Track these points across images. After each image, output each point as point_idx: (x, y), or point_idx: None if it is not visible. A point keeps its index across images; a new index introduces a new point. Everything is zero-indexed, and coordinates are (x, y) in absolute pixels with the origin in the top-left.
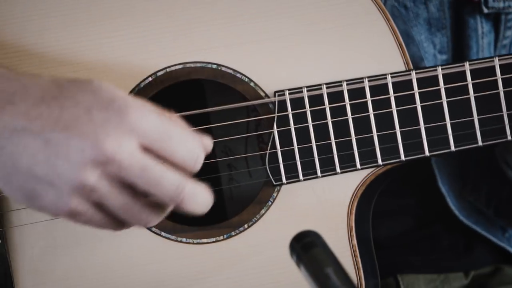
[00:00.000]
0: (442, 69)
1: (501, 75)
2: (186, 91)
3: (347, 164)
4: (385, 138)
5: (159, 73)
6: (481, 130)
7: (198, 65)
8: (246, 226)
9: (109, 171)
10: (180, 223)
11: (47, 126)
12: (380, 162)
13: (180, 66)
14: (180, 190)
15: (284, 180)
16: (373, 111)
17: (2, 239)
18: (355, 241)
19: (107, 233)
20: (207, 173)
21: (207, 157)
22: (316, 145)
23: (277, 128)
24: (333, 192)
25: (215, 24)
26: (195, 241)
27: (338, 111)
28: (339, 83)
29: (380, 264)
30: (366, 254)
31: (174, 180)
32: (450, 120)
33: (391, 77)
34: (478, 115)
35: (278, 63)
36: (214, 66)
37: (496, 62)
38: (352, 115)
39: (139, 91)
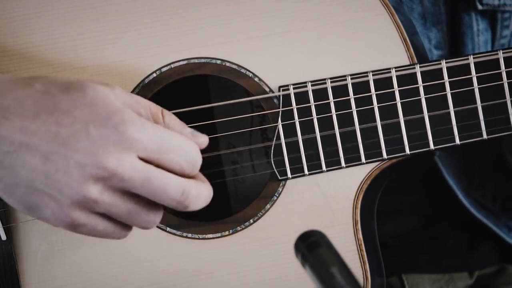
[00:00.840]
0: (446, 62)
1: (506, 68)
2: (190, 87)
3: (352, 158)
4: (389, 131)
5: (164, 69)
6: (485, 122)
7: (203, 60)
8: (251, 221)
9: (111, 184)
10: (185, 219)
11: (45, 142)
12: (385, 155)
13: (185, 62)
14: (186, 195)
15: (289, 175)
16: (378, 104)
17: (8, 236)
18: (360, 235)
19: None
20: (212, 169)
21: (213, 153)
22: (321, 139)
23: (282, 122)
24: (338, 186)
25: (219, 20)
26: (200, 236)
27: (343, 105)
28: (343, 78)
29: (384, 263)
30: (371, 250)
31: (179, 186)
32: (455, 113)
33: (396, 71)
34: (482, 108)
35: (283, 58)
36: (219, 62)
37: (501, 55)
38: (356, 109)
39: (144, 86)
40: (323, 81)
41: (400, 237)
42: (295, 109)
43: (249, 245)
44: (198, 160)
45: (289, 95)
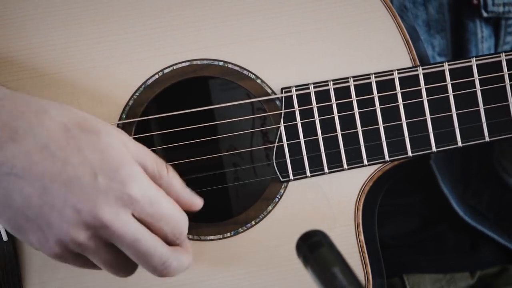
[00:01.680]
0: (448, 64)
1: (508, 70)
2: (193, 88)
3: (354, 160)
4: (392, 134)
5: (166, 70)
6: (487, 124)
7: (205, 62)
8: (253, 222)
9: (100, 234)
10: None
11: (47, 176)
12: (387, 158)
13: (187, 63)
14: (166, 266)
15: (291, 177)
16: (380, 106)
17: (10, 237)
18: (362, 237)
19: None
20: (214, 170)
21: (215, 155)
22: (322, 141)
23: (284, 124)
24: (340, 188)
25: (222, 21)
26: (201, 238)
27: (345, 107)
28: (346, 80)
29: (386, 264)
30: (372, 251)
31: (162, 256)
32: (457, 115)
33: (398, 73)
34: (484, 110)
35: (285, 60)
36: (221, 63)
37: (503, 58)
38: (358, 111)
39: (146, 88)
40: (325, 83)
41: (401, 238)
42: (297, 111)
43: (250, 247)
44: (183, 234)
45: (291, 97)
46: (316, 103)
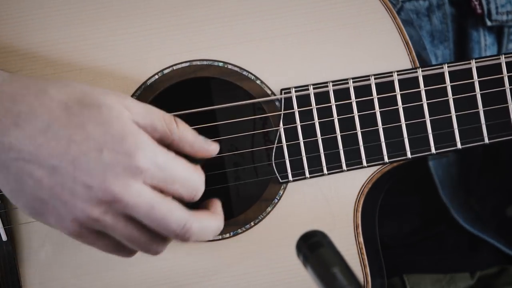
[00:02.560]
0: (448, 66)
1: (508, 72)
2: (192, 89)
3: (353, 161)
4: (391, 135)
5: (166, 71)
6: (487, 126)
7: (205, 63)
8: (252, 223)
9: (115, 208)
10: None
11: (54, 156)
12: (386, 159)
13: (187, 64)
14: (187, 228)
15: (290, 178)
16: (379, 108)
17: (9, 237)
18: (361, 239)
19: None
20: (213, 171)
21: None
22: (322, 142)
23: (283, 125)
24: (340, 189)
25: (221, 22)
26: None
27: (344, 109)
28: (345, 81)
29: (386, 264)
30: (372, 252)
31: (181, 219)
32: (456, 117)
33: (397, 74)
34: (484, 112)
35: (285, 61)
36: (221, 64)
37: (503, 60)
38: (358, 112)
39: (146, 88)
40: (325, 84)
41: (401, 238)
42: (297, 112)
43: (249, 248)
44: (200, 188)
45: (291, 98)
46: (316, 105)
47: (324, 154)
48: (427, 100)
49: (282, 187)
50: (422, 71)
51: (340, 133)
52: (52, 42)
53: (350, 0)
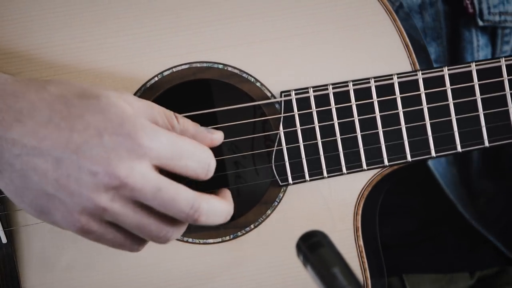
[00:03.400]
0: (448, 69)
1: (508, 75)
2: (192, 91)
3: (353, 165)
4: (391, 138)
5: (166, 73)
6: (487, 129)
7: (205, 65)
8: (252, 226)
9: (122, 194)
10: None
11: (57, 147)
12: (386, 162)
13: (187, 66)
14: (196, 208)
15: (290, 181)
16: (379, 111)
17: (9, 239)
18: (361, 242)
19: None
20: (213, 173)
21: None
22: (322, 145)
23: (283, 128)
24: (340, 192)
25: (221, 24)
26: (201, 241)
27: (344, 112)
28: (345, 84)
29: (386, 264)
30: (373, 254)
31: (188, 199)
32: (456, 120)
33: (398, 77)
34: (484, 116)
35: (285, 63)
36: (221, 66)
37: (503, 63)
38: (358, 115)
39: (145, 90)
40: (324, 86)
41: (401, 238)
42: (297, 115)
43: (249, 251)
44: (211, 162)
45: (290, 100)
46: (316, 107)
47: (324, 157)
48: (427, 103)
49: (282, 190)
50: (422, 74)
51: (340, 136)
52: (52, 44)
53: (351, 2)
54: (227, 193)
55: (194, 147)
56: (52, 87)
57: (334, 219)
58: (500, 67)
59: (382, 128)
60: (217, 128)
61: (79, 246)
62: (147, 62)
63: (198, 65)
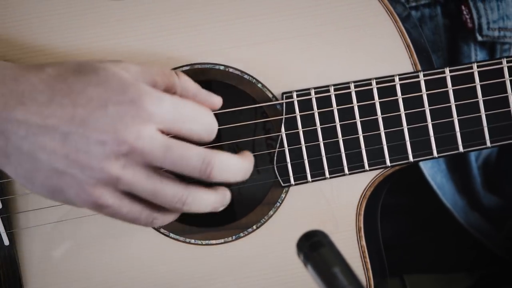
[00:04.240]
0: (450, 70)
1: (510, 76)
2: None
3: (355, 165)
4: (393, 139)
5: None
6: (489, 130)
7: (206, 66)
8: (254, 227)
9: (133, 159)
10: (189, 224)
11: (62, 123)
12: (388, 163)
13: (188, 67)
14: (207, 161)
15: (292, 181)
16: (381, 112)
17: (11, 241)
18: (364, 242)
19: (116, 234)
20: None
21: None
22: (324, 146)
23: (285, 129)
24: (342, 193)
25: (223, 25)
26: (203, 242)
27: (346, 113)
28: (346, 85)
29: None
30: (375, 254)
31: (200, 153)
32: (458, 121)
33: (399, 78)
34: (486, 116)
35: (286, 65)
36: (222, 67)
37: (504, 64)
38: (360, 116)
39: None
40: (326, 88)
41: (401, 238)
42: (299, 116)
43: (252, 251)
44: (214, 124)
45: (292, 102)
46: (317, 108)
47: (326, 158)
48: (428, 103)
49: (284, 190)
50: (423, 75)
51: (342, 137)
52: (52, 45)
53: (352, 3)
54: (245, 152)
55: (197, 110)
56: (49, 68)
57: (337, 219)
58: (501, 68)
59: (384, 129)
60: (218, 130)
61: (80, 248)
62: (149, 64)
63: (200, 66)
